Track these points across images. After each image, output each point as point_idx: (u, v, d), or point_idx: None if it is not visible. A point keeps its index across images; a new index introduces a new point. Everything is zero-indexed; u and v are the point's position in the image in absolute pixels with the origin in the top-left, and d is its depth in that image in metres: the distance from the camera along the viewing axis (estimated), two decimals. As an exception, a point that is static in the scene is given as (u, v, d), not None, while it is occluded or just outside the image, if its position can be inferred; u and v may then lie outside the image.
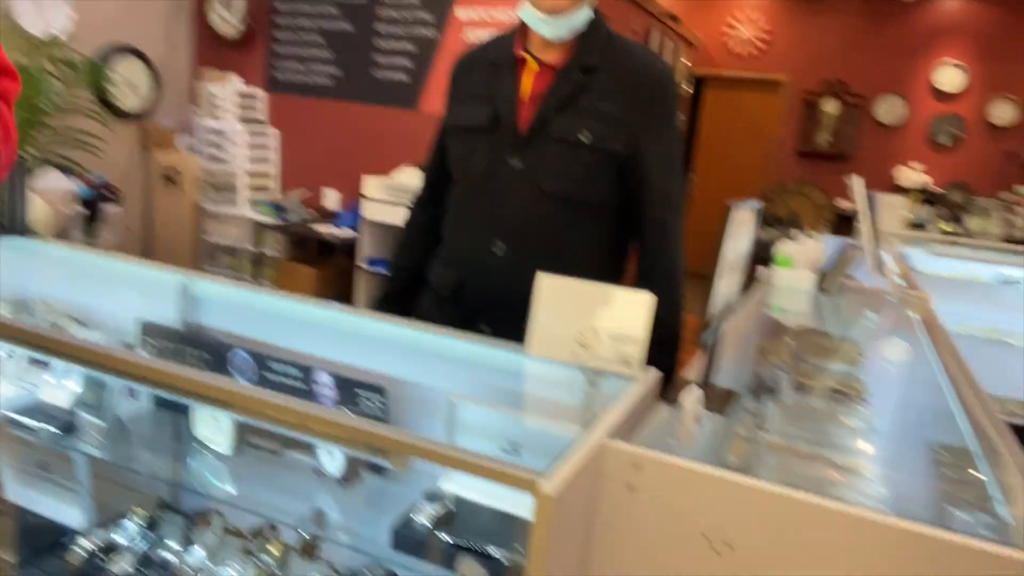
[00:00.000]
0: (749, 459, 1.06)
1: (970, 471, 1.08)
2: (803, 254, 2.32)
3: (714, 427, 1.14)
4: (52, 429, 1.43)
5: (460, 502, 1.22)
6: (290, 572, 1.36)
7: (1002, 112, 6.34)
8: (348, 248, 4.68)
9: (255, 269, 5.21)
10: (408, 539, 1.17)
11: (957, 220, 5.30)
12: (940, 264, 3.03)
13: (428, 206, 1.68)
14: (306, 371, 1.43)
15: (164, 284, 1.62)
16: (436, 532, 1.16)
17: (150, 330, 1.58)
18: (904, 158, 6.66)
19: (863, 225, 2.22)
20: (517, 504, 1.23)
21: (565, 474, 0.83)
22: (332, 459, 1.35)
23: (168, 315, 1.62)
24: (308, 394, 1.42)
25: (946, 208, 5.53)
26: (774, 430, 1.20)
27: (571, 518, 0.89)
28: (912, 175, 6.47)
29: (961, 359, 1.58)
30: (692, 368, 1.31)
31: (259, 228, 5.12)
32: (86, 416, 1.43)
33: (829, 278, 2.26)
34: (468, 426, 1.26)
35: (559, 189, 1.42)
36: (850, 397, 1.35)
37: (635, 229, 1.51)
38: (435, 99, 4.66)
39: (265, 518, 1.41)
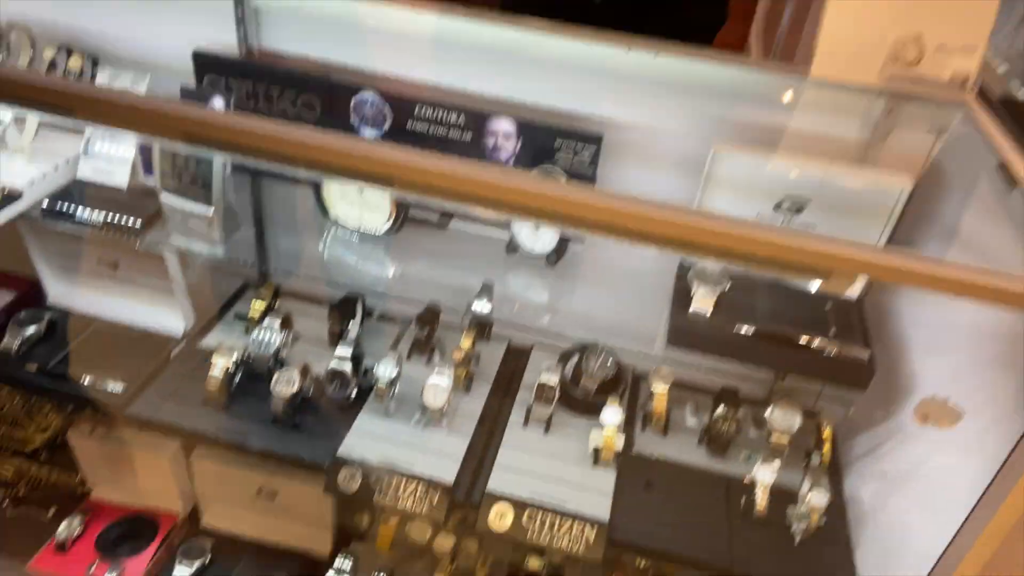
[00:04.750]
0: None
1: None
2: None
3: None
4: (125, 221, 1.03)
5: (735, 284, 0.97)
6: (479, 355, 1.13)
7: None
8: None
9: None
10: (686, 332, 0.94)
11: None
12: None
13: None
14: (475, 118, 1.04)
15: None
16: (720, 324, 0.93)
17: (207, 63, 1.11)
18: None
19: None
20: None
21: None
22: (537, 236, 1.04)
23: (220, 38, 1.13)
24: (474, 147, 1.06)
25: None
26: None
27: None
28: None
29: None
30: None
31: None
32: (171, 199, 1.03)
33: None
34: (730, 181, 0.96)
35: None
36: None
37: None
38: None
39: (434, 302, 1.13)
